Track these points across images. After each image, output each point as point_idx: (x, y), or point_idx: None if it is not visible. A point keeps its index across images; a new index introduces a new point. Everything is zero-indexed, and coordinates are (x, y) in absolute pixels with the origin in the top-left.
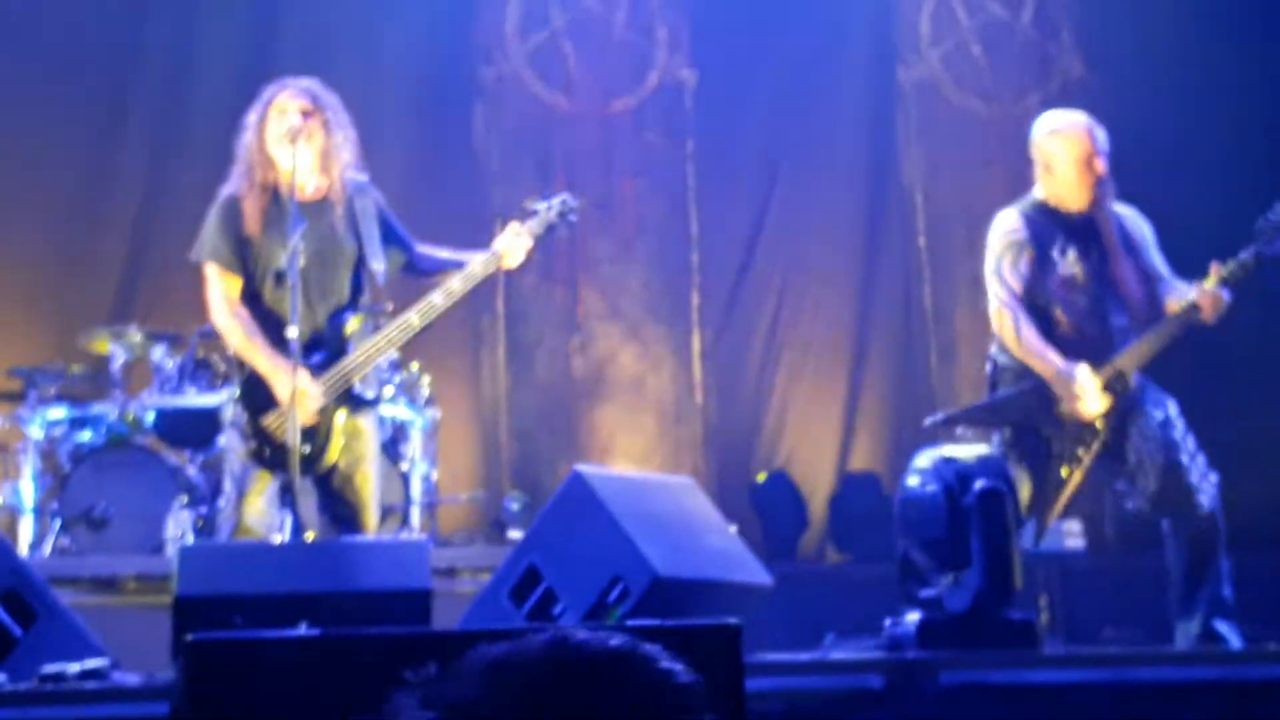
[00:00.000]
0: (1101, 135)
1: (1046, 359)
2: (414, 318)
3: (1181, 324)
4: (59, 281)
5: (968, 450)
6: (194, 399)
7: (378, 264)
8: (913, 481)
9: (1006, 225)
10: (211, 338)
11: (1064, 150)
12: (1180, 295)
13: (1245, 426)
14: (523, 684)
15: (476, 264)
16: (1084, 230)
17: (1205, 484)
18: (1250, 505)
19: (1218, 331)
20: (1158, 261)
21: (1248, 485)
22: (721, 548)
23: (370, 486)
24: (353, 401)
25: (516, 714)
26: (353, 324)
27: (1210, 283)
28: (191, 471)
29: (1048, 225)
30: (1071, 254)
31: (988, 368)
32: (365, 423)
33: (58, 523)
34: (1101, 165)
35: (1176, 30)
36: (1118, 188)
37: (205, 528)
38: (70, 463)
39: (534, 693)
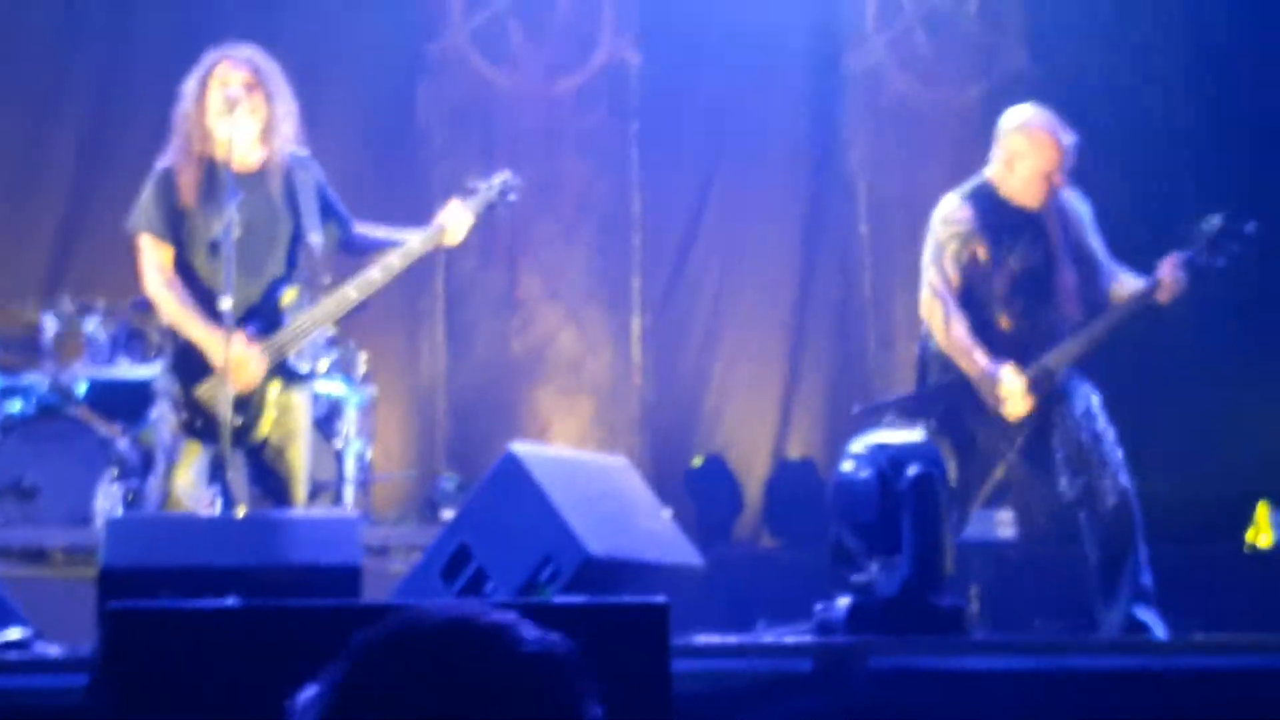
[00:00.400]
0: (1070, 144)
1: (972, 357)
2: (351, 291)
3: (1131, 310)
4: None
5: (902, 436)
6: (126, 370)
7: (315, 237)
8: (847, 466)
9: (954, 214)
10: (145, 309)
11: (1031, 153)
12: (1125, 283)
13: (1166, 418)
14: (382, 660)
15: (415, 241)
16: (1030, 226)
17: (1122, 475)
18: (1166, 498)
19: (1143, 325)
20: (1095, 244)
21: (1164, 478)
22: (654, 529)
23: (301, 462)
24: (287, 374)
25: (374, 691)
26: (289, 296)
27: (1168, 262)
28: (122, 444)
29: (994, 217)
30: (1015, 249)
31: (917, 350)
32: (299, 397)
33: None
34: (1060, 179)
35: (1122, 25)
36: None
37: (135, 501)
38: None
39: (389, 668)
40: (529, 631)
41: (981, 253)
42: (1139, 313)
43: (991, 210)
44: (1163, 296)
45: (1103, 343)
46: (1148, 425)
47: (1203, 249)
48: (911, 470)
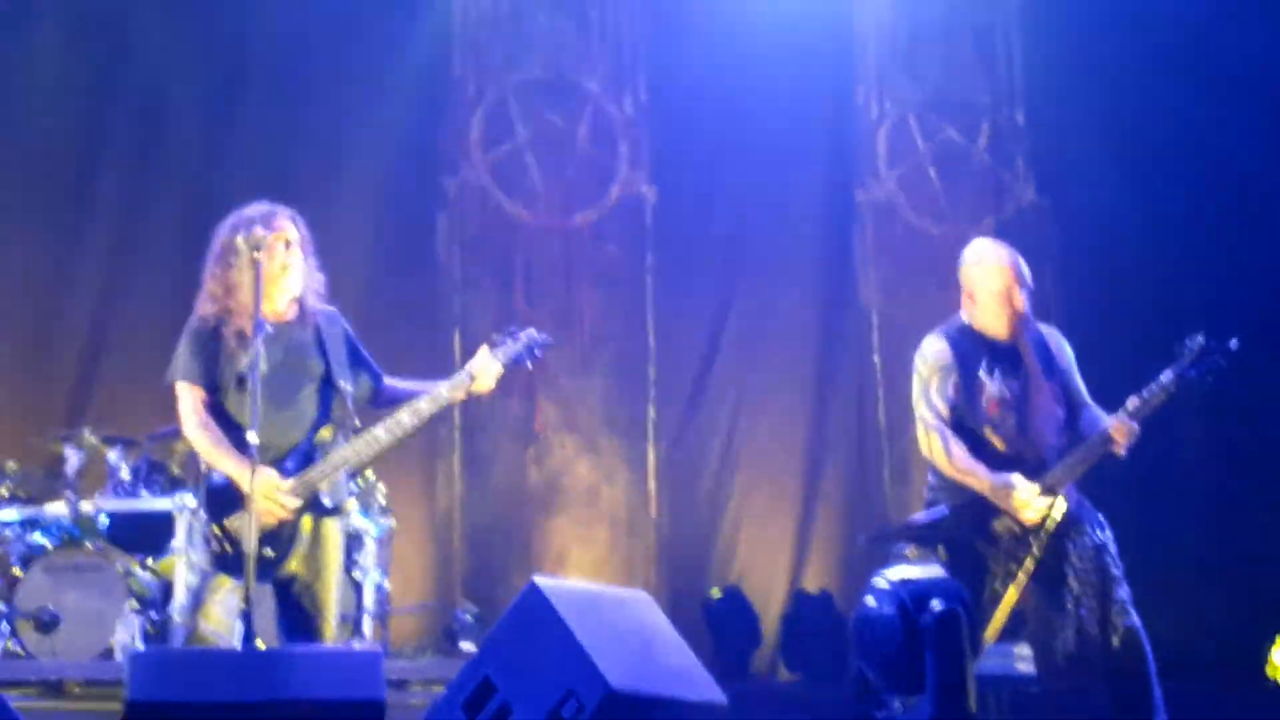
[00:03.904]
0: (1023, 268)
1: (978, 474)
2: (381, 433)
3: (1097, 453)
4: (14, 383)
5: (925, 571)
6: (147, 502)
7: (345, 384)
8: (869, 601)
9: (932, 350)
10: (164, 441)
11: (985, 281)
12: (1095, 425)
13: (1178, 551)
14: None
15: (445, 388)
16: (1008, 354)
17: (1131, 613)
18: (1179, 635)
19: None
20: (1080, 386)
21: (1178, 613)
22: (677, 664)
23: (332, 596)
24: (318, 509)
25: None
26: (324, 434)
27: (1123, 413)
28: (143, 576)
29: (973, 348)
30: (997, 374)
31: (925, 495)
32: (331, 532)
33: (6, 625)
34: (1022, 300)
35: (1126, 157)
36: (1069, 306)
37: (156, 633)
38: (21, 564)
39: None
40: None
41: (965, 381)
42: (1106, 455)
43: (968, 343)
44: (1117, 450)
45: (1093, 472)
46: (1159, 560)
47: (1187, 366)
48: (935, 606)
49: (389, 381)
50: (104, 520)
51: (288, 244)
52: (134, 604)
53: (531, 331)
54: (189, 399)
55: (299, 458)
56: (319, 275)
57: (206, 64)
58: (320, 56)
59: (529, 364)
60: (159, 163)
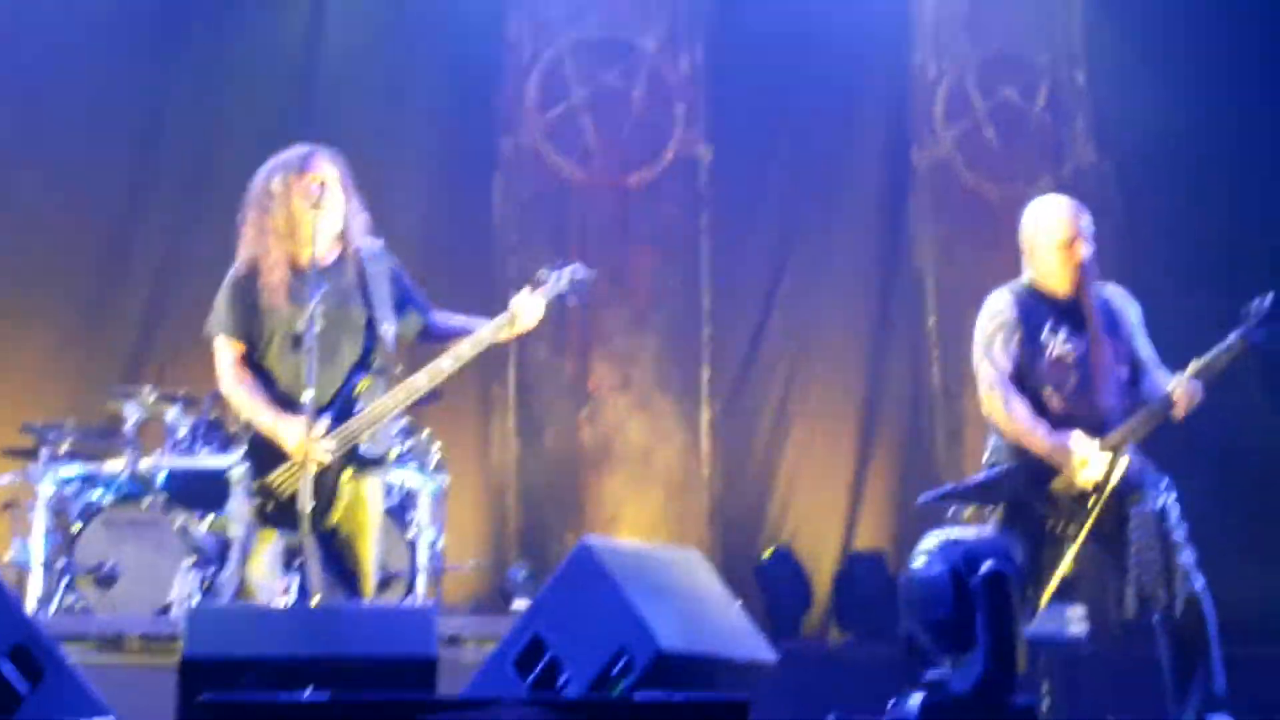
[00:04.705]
0: (1085, 220)
1: (1037, 434)
2: (422, 379)
3: (1158, 416)
4: (76, 340)
5: (975, 532)
6: (205, 460)
7: (388, 327)
8: (919, 562)
9: (995, 306)
10: (223, 400)
11: (1045, 235)
12: (1158, 388)
13: (1243, 514)
14: None
15: (486, 329)
16: (1071, 312)
17: (1194, 577)
18: (1248, 597)
19: (1212, 417)
20: (1144, 345)
21: (1245, 575)
22: (727, 623)
23: (370, 554)
24: (359, 461)
25: None
26: (363, 385)
27: (1185, 376)
28: (200, 532)
29: (1036, 306)
30: (1060, 334)
31: (984, 456)
32: (371, 485)
33: (65, 580)
34: (1083, 250)
35: (1188, 117)
36: (1129, 267)
37: (210, 589)
38: (80, 520)
39: None
40: None
41: (1027, 339)
42: (1166, 419)
43: (1031, 302)
44: (1177, 412)
45: (1156, 434)
46: (1226, 523)
47: (1254, 327)
48: (985, 567)
49: (438, 317)
50: (162, 477)
51: (323, 184)
52: (191, 559)
53: (577, 266)
54: (227, 353)
55: (339, 409)
56: (362, 215)
57: (264, 22)
58: (376, 18)
59: (574, 300)
60: (227, 122)
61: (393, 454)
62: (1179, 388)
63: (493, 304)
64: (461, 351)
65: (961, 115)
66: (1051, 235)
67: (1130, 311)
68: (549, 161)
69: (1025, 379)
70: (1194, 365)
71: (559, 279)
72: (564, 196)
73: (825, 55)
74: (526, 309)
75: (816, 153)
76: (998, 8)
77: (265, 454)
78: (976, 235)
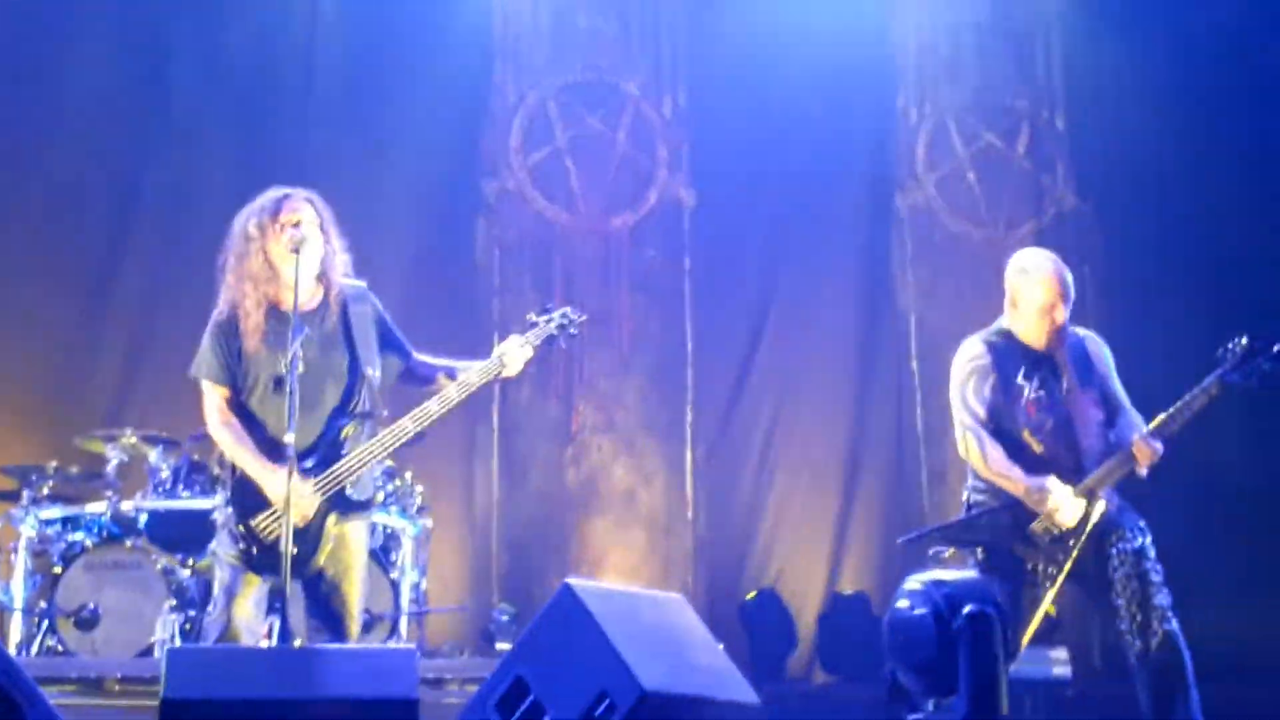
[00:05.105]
0: (1068, 280)
1: (1014, 477)
2: (408, 423)
3: (1125, 464)
4: (58, 383)
5: (958, 574)
6: (187, 502)
7: (372, 370)
8: (902, 604)
9: (970, 353)
10: (204, 442)
11: (1029, 292)
12: (1128, 433)
13: (1218, 556)
14: None
15: (474, 373)
16: (1044, 363)
17: (1170, 619)
18: (1219, 639)
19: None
20: (1118, 389)
21: (1218, 618)
22: (710, 665)
23: (356, 596)
24: (344, 506)
25: None
26: (347, 430)
27: (1145, 431)
28: (182, 574)
29: (1010, 352)
30: (1035, 381)
31: (964, 498)
32: (355, 529)
33: (47, 622)
34: (1063, 315)
35: (1167, 163)
36: (1109, 311)
37: (193, 631)
38: (62, 562)
39: None
40: None
41: (1002, 384)
42: (1130, 471)
43: (1006, 348)
44: (1139, 465)
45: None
46: (1198, 565)
47: (1229, 370)
48: (967, 609)
49: (418, 358)
50: (143, 519)
51: (297, 224)
52: (173, 602)
53: (566, 310)
54: (212, 397)
55: (322, 455)
56: (344, 255)
57: (248, 66)
58: (363, 62)
59: (563, 343)
60: (201, 164)
61: (379, 497)
62: (1140, 445)
63: (477, 346)
64: (449, 395)
65: (944, 160)
66: (1033, 301)
67: (1104, 354)
68: (533, 205)
69: (1003, 422)
70: (1159, 419)
71: (549, 322)
72: (548, 239)
73: (807, 100)
74: (514, 355)
75: (799, 196)
76: (977, 53)
77: (249, 496)
78: (960, 278)
